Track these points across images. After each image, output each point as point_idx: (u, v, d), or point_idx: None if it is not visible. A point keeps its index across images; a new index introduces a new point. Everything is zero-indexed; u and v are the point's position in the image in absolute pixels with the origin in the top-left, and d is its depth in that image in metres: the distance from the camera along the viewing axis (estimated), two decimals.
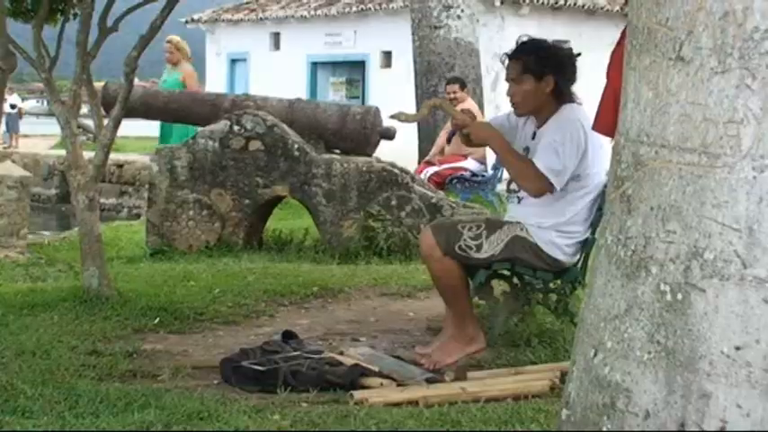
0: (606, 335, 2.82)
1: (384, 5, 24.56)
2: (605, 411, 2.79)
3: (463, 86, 13.38)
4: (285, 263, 9.08)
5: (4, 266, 9.55)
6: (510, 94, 5.71)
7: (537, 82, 5.57)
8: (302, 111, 10.37)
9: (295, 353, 5.45)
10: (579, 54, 5.78)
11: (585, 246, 5.67)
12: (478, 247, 5.54)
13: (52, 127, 28.44)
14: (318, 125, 10.22)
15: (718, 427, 2.59)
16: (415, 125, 15.38)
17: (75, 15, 7.32)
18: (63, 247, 11.91)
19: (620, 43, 5.20)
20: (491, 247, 5.55)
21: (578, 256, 5.73)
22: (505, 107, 6.06)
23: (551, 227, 5.54)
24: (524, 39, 5.81)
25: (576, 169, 5.46)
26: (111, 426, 4.06)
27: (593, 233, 5.61)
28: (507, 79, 5.73)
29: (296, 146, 9.76)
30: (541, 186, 5.43)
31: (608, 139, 5.39)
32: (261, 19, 28.26)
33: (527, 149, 5.67)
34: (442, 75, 15.09)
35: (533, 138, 5.66)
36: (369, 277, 8.18)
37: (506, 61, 5.71)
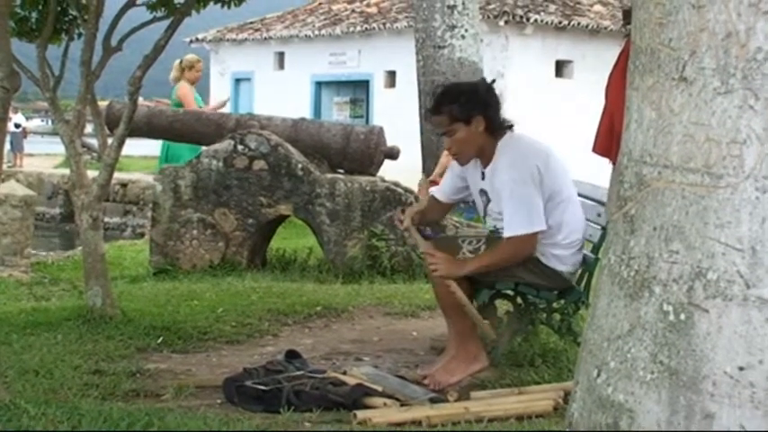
0: (609, 355, 2.82)
1: (388, 25, 24.65)
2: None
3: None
4: (289, 282, 9.08)
5: (7, 285, 9.56)
6: (447, 147, 5.66)
7: (468, 126, 5.47)
8: (306, 130, 10.38)
9: (298, 372, 5.44)
10: (494, 80, 5.76)
11: (587, 263, 5.67)
12: None
13: (56, 146, 28.56)
14: (322, 145, 10.24)
15: None
16: (418, 144, 15.41)
17: (79, 35, 7.35)
18: (67, 266, 11.93)
19: (617, 65, 5.21)
20: None
21: (578, 268, 5.70)
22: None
23: (549, 242, 5.51)
24: (438, 89, 5.74)
25: (545, 195, 5.42)
26: None
27: (595, 252, 5.60)
28: (439, 134, 5.68)
29: (300, 165, 9.77)
30: (531, 244, 5.37)
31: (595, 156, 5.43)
32: (265, 38, 28.34)
33: (483, 192, 5.61)
34: None
35: (483, 178, 5.61)
36: (372, 296, 8.18)
37: (430, 118, 5.69)
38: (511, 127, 5.61)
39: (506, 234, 5.38)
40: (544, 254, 5.52)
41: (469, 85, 5.79)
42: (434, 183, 13.06)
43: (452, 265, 5.50)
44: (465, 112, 5.46)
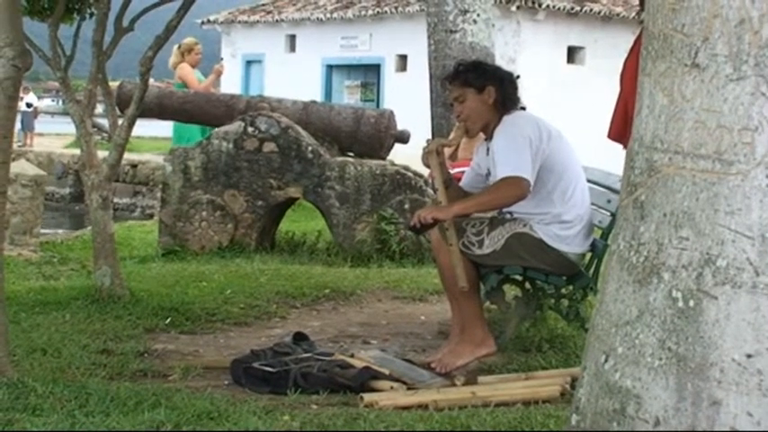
0: (617, 341, 2.81)
1: (400, 9, 24.56)
2: (615, 417, 2.78)
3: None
4: (297, 265, 9.09)
5: (16, 264, 9.58)
6: (457, 114, 5.71)
7: (479, 94, 5.57)
8: (317, 113, 10.37)
9: (306, 355, 5.45)
10: (518, 76, 5.81)
11: (596, 249, 5.66)
12: (480, 243, 5.51)
13: (67, 126, 28.58)
14: (332, 128, 10.23)
15: None
16: (429, 128, 15.37)
17: (91, 15, 7.35)
18: (76, 245, 11.95)
19: (633, 51, 5.21)
20: (492, 243, 5.51)
21: (585, 252, 5.69)
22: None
23: (554, 219, 5.51)
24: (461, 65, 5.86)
25: (543, 158, 5.43)
26: (121, 425, 4.06)
27: (605, 238, 5.60)
28: (450, 102, 5.75)
29: (310, 148, 9.77)
30: (519, 188, 5.34)
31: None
32: (277, 21, 28.27)
33: (489, 170, 5.66)
34: None
35: (488, 154, 5.65)
36: (381, 280, 8.18)
37: (447, 86, 5.74)
38: (523, 108, 5.66)
39: (498, 176, 5.40)
40: (548, 233, 5.51)
41: (493, 65, 5.86)
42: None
43: (439, 209, 5.48)
44: (479, 79, 5.59)
